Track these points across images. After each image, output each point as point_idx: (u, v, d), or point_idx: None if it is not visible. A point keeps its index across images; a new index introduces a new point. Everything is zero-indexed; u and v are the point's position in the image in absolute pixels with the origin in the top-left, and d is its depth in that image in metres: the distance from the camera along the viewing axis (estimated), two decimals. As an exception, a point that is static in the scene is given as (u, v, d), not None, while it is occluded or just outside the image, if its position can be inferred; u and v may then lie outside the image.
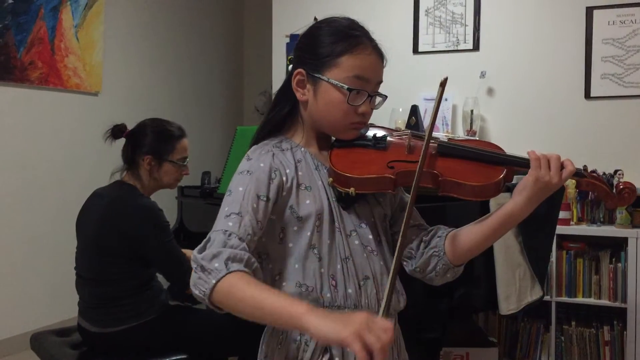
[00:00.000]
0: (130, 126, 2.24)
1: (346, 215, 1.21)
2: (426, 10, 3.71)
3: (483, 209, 2.03)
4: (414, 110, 3.39)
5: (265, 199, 1.12)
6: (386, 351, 0.87)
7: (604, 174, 3.07)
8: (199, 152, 4.80)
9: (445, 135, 3.08)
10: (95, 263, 2.10)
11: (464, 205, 1.94)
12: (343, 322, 0.89)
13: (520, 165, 1.19)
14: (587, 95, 3.37)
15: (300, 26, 4.05)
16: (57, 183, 3.77)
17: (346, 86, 1.16)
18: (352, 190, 1.15)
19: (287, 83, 1.25)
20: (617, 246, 3.04)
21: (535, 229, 2.22)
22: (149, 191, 2.23)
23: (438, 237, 1.25)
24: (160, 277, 2.20)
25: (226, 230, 1.07)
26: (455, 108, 3.60)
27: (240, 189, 1.12)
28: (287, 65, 3.94)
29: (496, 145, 1.28)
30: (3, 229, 3.46)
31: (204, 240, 1.08)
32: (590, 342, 3.07)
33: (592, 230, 3.08)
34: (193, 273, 1.03)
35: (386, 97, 1.23)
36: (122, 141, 2.24)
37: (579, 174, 1.19)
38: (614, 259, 3.02)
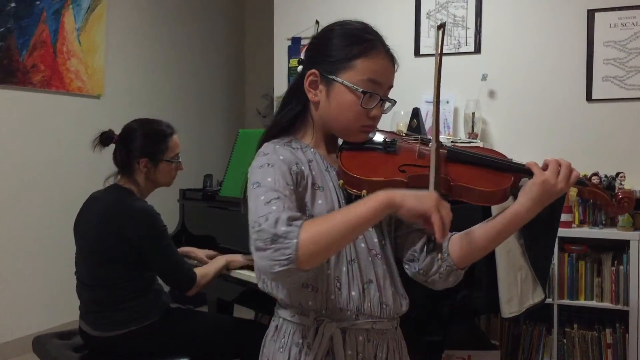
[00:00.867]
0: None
1: None
2: (427, 13, 3.72)
3: (485, 214, 2.03)
4: (416, 112, 3.38)
5: (292, 186, 1.12)
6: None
7: (606, 176, 3.07)
8: (201, 155, 4.81)
9: (447, 138, 3.08)
10: (95, 268, 2.10)
11: (466, 209, 1.94)
12: (420, 198, 1.04)
13: (525, 173, 1.21)
14: (589, 97, 3.37)
15: (302, 29, 4.09)
16: (59, 186, 3.78)
17: (360, 89, 1.17)
18: (364, 192, 1.15)
19: (298, 84, 1.25)
20: (619, 249, 3.03)
21: (537, 232, 2.22)
22: (146, 194, 2.23)
23: None
24: (161, 280, 2.20)
25: (272, 212, 1.01)
26: (456, 111, 3.60)
27: (269, 179, 1.10)
28: (292, 68, 3.94)
29: (499, 152, 1.31)
30: (4, 231, 3.46)
31: (251, 228, 1.02)
32: (593, 345, 3.07)
33: (594, 232, 3.07)
34: (262, 253, 0.98)
35: (395, 102, 1.25)
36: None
37: (582, 183, 1.22)
38: (616, 262, 3.02)
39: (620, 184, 3.01)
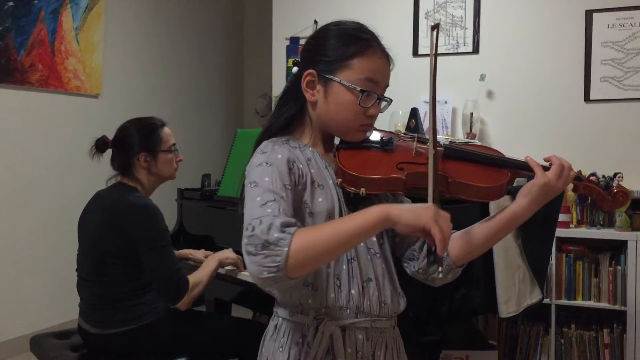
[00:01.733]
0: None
1: None
2: (426, 13, 3.72)
3: (483, 213, 2.03)
4: (414, 112, 3.39)
5: (290, 187, 1.12)
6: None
7: (604, 177, 3.04)
8: (199, 155, 4.81)
9: (446, 138, 3.08)
10: (97, 264, 2.10)
11: (465, 209, 1.94)
12: (417, 212, 1.02)
13: (522, 168, 1.23)
14: (587, 98, 3.37)
15: (301, 29, 4.09)
16: (57, 185, 3.77)
17: (359, 88, 1.17)
18: (362, 190, 1.16)
19: (295, 84, 1.25)
20: (617, 249, 3.04)
21: (535, 232, 2.23)
22: (150, 190, 2.24)
23: None
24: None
25: (267, 215, 1.01)
26: (455, 111, 3.61)
27: (267, 179, 1.10)
28: (290, 68, 3.94)
29: (496, 150, 1.32)
30: (2, 230, 3.46)
31: (245, 230, 1.02)
32: (590, 345, 3.07)
33: (591, 233, 3.08)
34: (253, 257, 0.97)
35: (391, 100, 1.25)
36: None
37: (577, 178, 1.25)
38: (613, 262, 3.02)
39: (618, 184, 3.01)
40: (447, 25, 3.67)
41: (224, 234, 2.60)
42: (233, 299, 2.57)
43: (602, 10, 3.33)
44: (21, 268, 3.56)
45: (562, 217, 2.94)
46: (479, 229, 1.21)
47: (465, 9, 3.63)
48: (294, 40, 3.97)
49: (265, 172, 1.11)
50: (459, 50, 3.64)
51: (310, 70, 1.21)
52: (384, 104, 1.25)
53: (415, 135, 1.32)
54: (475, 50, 3.61)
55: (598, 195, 1.28)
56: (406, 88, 3.37)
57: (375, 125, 1.29)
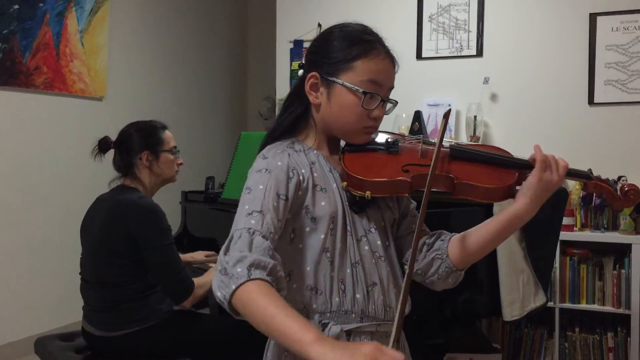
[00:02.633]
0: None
1: (357, 219, 1.21)
2: (430, 17, 3.73)
3: (487, 215, 2.03)
4: (418, 115, 3.39)
5: (284, 197, 1.11)
6: None
7: (607, 180, 3.06)
8: (203, 157, 4.82)
9: (449, 142, 3.08)
10: (100, 266, 2.10)
11: (468, 211, 1.94)
12: (350, 352, 0.84)
13: (529, 168, 1.21)
14: (591, 101, 3.37)
15: (304, 32, 4.10)
16: (62, 188, 3.78)
17: (361, 90, 1.17)
18: (368, 193, 1.15)
19: (299, 86, 1.26)
20: (621, 252, 3.03)
21: (539, 235, 2.22)
22: (151, 192, 2.24)
23: (441, 240, 1.25)
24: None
25: (249, 229, 1.05)
26: (458, 114, 3.61)
27: (261, 187, 1.10)
28: (294, 71, 3.94)
29: (504, 150, 1.30)
30: (7, 233, 3.47)
31: (228, 239, 1.06)
32: (594, 348, 3.07)
33: (595, 236, 3.07)
34: (217, 274, 1.01)
35: (397, 102, 1.25)
36: None
37: (586, 177, 1.24)
38: (617, 266, 3.02)
39: (622, 184, 3.00)
40: (450, 28, 3.67)
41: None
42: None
43: (606, 14, 3.33)
44: (25, 270, 3.57)
45: (566, 221, 2.93)
46: (481, 232, 1.20)
47: (469, 12, 3.63)
48: (298, 43, 3.98)
49: (261, 180, 1.12)
50: (463, 54, 3.64)
51: (314, 73, 1.21)
52: (389, 106, 1.24)
53: (421, 136, 1.31)
54: (479, 53, 3.61)
55: (608, 194, 1.25)
56: (410, 91, 3.37)
57: (380, 128, 1.28)
